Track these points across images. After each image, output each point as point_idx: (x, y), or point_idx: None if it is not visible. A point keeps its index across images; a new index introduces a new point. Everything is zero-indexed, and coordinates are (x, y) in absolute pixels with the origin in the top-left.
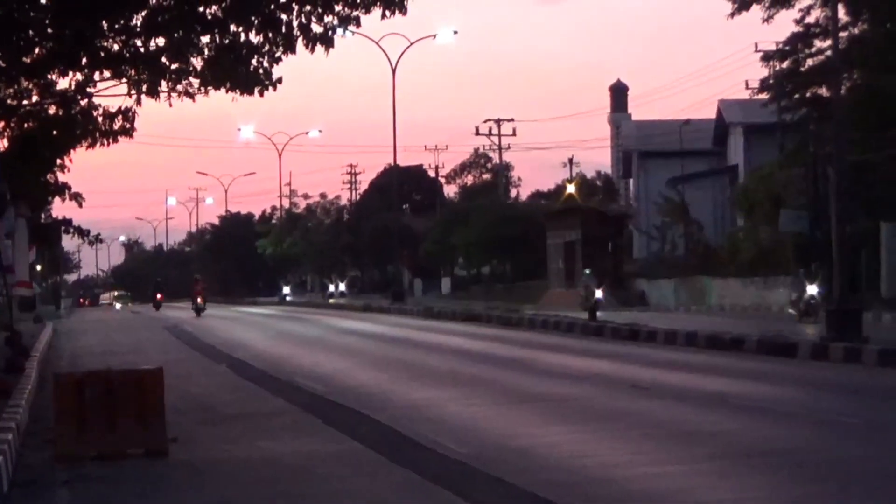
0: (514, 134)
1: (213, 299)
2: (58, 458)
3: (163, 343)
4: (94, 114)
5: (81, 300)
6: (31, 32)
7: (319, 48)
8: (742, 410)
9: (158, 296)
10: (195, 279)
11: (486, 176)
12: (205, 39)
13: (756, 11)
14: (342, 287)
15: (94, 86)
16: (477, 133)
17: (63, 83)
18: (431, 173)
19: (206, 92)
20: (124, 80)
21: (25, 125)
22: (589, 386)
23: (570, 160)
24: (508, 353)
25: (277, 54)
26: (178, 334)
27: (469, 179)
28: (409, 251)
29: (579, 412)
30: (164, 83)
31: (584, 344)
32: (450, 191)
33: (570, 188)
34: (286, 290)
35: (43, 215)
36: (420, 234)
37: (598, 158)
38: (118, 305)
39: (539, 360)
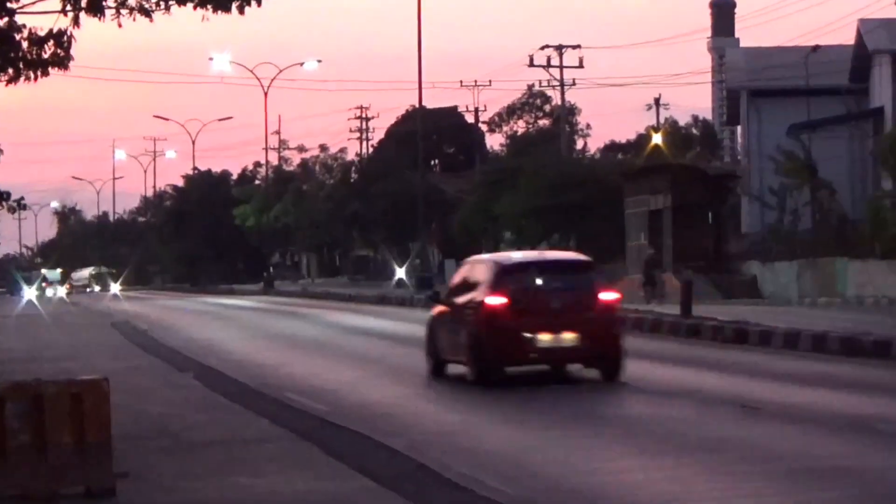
0: (580, 66)
1: (177, 287)
2: None
3: (110, 346)
4: (17, 37)
5: None
6: None
7: None
8: (890, 440)
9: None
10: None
11: (544, 122)
12: None
13: None
14: (401, 272)
15: (17, 0)
16: (531, 64)
17: None
18: (469, 118)
19: (168, 8)
20: None
21: None
22: (680, 404)
23: (657, 101)
24: None
25: None
26: (130, 334)
27: (520, 126)
28: (438, 223)
29: (667, 439)
30: None
31: (673, 348)
32: (494, 142)
33: (657, 138)
34: (401, 272)
35: None
36: (454, 199)
37: (695, 99)
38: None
39: None
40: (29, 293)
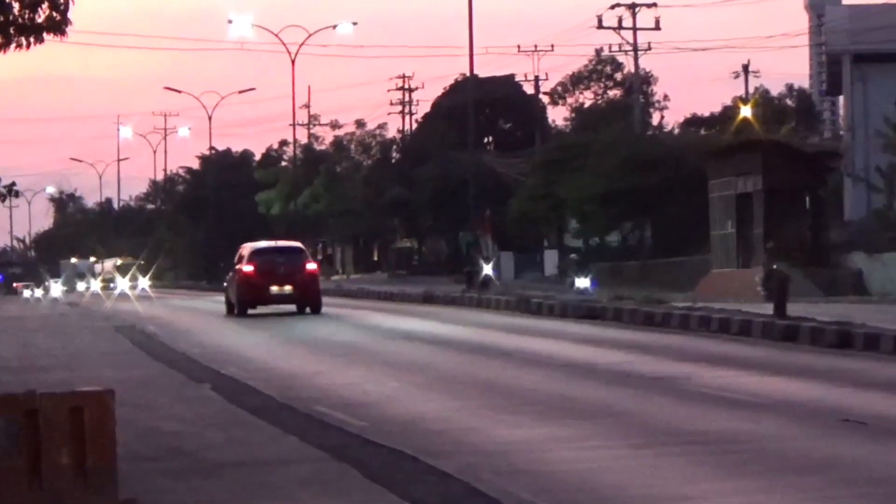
0: (656, 27)
1: (193, 284)
2: None
3: (115, 352)
4: None
5: None
6: None
7: None
8: None
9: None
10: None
11: (614, 92)
12: None
13: None
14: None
15: None
16: (599, 26)
17: None
18: (529, 88)
19: None
20: None
21: None
22: (775, 419)
23: (745, 67)
24: (649, 367)
25: None
26: (137, 339)
27: (587, 98)
28: (493, 210)
29: (761, 460)
30: None
31: (766, 353)
32: (557, 116)
33: (745, 111)
34: (583, 283)
35: None
36: (511, 182)
37: (789, 65)
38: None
39: (697, 378)
40: (55, 289)
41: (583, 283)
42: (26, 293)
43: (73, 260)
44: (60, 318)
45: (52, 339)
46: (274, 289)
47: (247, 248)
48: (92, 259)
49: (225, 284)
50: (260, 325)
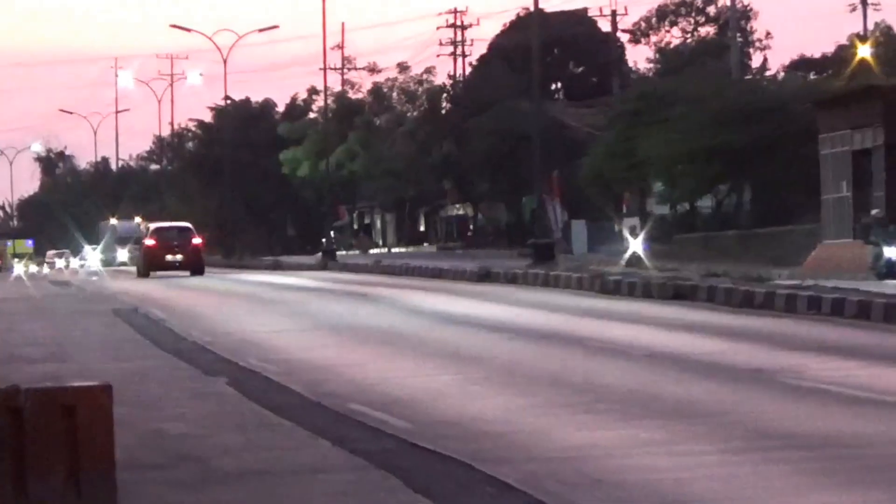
0: None
1: (206, 259)
2: None
3: (113, 340)
4: None
5: None
6: None
7: None
8: None
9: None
10: None
11: (706, 30)
12: None
13: None
14: (636, 244)
15: None
16: None
17: None
18: (604, 26)
19: None
20: None
21: None
22: (893, 419)
23: (863, 1)
24: (748, 358)
25: None
26: (139, 325)
27: (674, 37)
28: (562, 171)
29: (885, 467)
30: None
31: (888, 341)
32: (638, 58)
33: (864, 51)
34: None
35: None
36: (583, 138)
37: None
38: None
39: (805, 370)
40: (93, 258)
41: (894, 252)
42: (59, 263)
43: (114, 221)
44: (51, 299)
45: (41, 324)
46: (168, 257)
47: (151, 226)
48: (137, 220)
49: (138, 255)
50: (286, 309)
